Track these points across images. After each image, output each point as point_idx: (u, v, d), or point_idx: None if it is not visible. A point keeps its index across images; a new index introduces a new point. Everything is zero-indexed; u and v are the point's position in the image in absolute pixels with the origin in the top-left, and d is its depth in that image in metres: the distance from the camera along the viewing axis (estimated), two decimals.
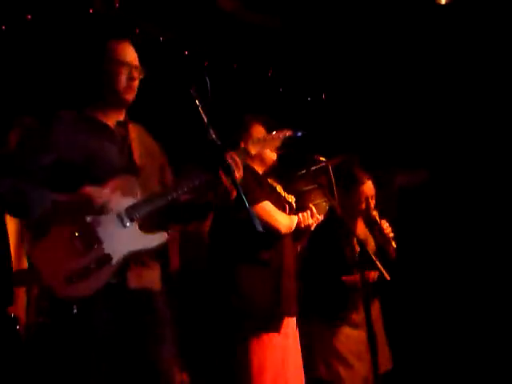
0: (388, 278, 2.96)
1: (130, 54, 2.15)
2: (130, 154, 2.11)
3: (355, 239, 3.15)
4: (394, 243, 3.32)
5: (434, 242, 4.55)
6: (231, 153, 2.03)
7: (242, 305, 2.62)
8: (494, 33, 3.99)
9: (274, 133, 2.26)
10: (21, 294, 3.68)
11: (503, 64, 4.18)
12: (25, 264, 4.76)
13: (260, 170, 2.89)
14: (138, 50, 2.20)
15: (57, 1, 3.45)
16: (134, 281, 2.00)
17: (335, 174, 3.10)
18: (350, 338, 3.25)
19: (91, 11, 3.30)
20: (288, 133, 2.27)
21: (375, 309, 3.36)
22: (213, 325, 2.77)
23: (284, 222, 2.75)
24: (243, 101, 3.98)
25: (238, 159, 2.03)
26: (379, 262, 2.95)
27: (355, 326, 3.27)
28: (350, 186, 3.39)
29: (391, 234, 3.33)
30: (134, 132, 2.18)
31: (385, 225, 3.35)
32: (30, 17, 3.24)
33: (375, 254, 3.07)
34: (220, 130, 2.03)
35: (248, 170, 2.79)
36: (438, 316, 4.43)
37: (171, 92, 2.17)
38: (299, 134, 2.31)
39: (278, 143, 2.29)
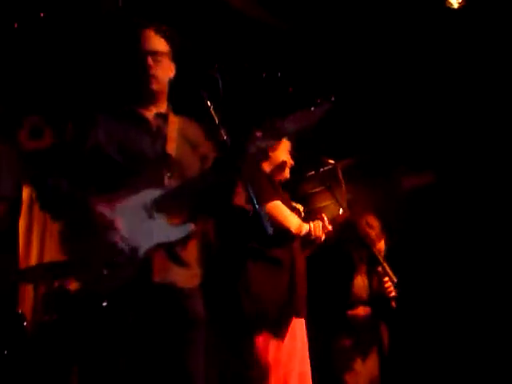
0: (395, 280, 2.96)
1: (145, 42, 2.12)
2: (164, 145, 2.08)
3: (362, 240, 3.13)
4: (393, 303, 3.28)
5: (440, 245, 4.54)
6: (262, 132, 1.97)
7: (252, 304, 2.62)
8: (505, 37, 3.97)
9: (312, 108, 1.95)
10: (28, 292, 3.70)
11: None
12: (32, 261, 4.79)
13: (268, 168, 2.89)
14: None
15: None
16: (159, 275, 1.96)
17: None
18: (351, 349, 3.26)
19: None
20: (325, 106, 1.94)
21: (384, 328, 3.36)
22: (221, 322, 2.77)
23: (295, 222, 2.75)
24: (253, 101, 3.98)
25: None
26: (387, 264, 2.95)
27: (363, 343, 3.27)
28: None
29: (393, 294, 3.28)
30: (175, 123, 2.16)
31: (387, 283, 3.30)
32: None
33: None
34: (231, 130, 2.03)
35: (259, 170, 2.80)
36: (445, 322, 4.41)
37: (182, 92, 2.16)
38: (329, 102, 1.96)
39: (315, 119, 2.04)
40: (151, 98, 2.15)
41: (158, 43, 2.14)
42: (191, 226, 2.01)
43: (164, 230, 1.97)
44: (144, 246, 1.92)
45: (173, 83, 2.18)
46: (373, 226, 3.33)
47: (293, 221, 2.75)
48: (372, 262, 3.05)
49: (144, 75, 2.09)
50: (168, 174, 2.03)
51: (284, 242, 2.73)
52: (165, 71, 2.14)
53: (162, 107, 2.18)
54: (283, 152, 2.93)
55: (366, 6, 3.90)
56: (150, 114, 2.15)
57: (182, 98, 2.15)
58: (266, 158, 2.85)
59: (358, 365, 3.21)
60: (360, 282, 3.31)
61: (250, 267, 2.67)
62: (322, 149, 3.52)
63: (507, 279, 4.19)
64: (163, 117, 2.17)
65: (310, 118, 1.98)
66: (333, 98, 1.92)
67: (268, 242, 2.66)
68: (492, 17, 3.81)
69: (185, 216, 2.04)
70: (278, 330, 2.63)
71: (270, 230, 1.84)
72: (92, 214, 1.91)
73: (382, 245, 3.36)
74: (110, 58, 2.23)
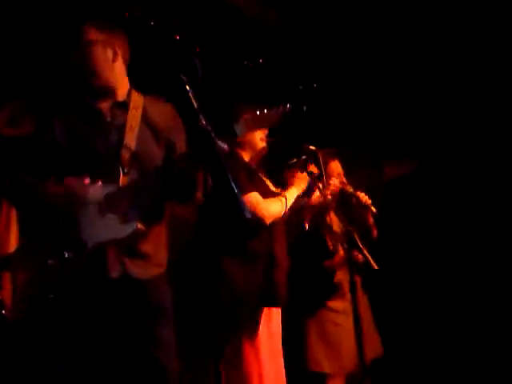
0: (375, 267, 2.97)
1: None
2: (121, 137, 2.05)
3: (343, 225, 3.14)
4: (373, 208, 3.34)
5: (422, 232, 4.58)
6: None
7: (231, 297, 2.63)
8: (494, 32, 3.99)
9: (266, 110, 2.11)
10: (6, 279, 3.65)
11: (494, 58, 4.19)
12: (11, 248, 4.73)
13: (247, 157, 2.88)
14: (128, 34, 2.15)
15: None
16: (114, 270, 1.97)
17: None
18: (337, 326, 3.26)
19: None
20: (283, 108, 2.11)
21: (362, 296, 3.38)
22: (202, 318, 2.77)
23: (272, 209, 2.72)
24: (234, 88, 3.96)
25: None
26: (366, 249, 2.97)
27: (340, 312, 3.28)
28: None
29: (369, 201, 3.35)
30: (138, 109, 2.09)
31: (361, 194, 3.37)
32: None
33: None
34: (211, 117, 2.02)
35: (238, 159, 2.79)
36: (426, 305, 4.47)
37: (162, 77, 2.14)
38: (289, 106, 2.13)
39: (271, 121, 2.16)
40: (100, 90, 2.09)
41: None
42: (137, 225, 2.00)
43: (112, 227, 1.98)
44: (92, 241, 1.93)
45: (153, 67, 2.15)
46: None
47: (270, 209, 2.71)
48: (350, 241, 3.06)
49: (80, 72, 2.07)
50: (124, 170, 2.01)
51: (259, 233, 2.70)
52: (101, 62, 2.08)
53: (120, 95, 2.11)
54: (256, 134, 2.88)
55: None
56: (106, 104, 2.08)
57: (162, 81, 2.13)
58: (243, 147, 2.83)
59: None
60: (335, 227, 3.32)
61: (226, 258, 2.68)
62: (305, 137, 3.51)
63: (492, 268, 4.25)
64: (122, 105, 2.10)
65: (267, 118, 2.04)
66: (288, 105, 2.01)
67: (243, 234, 2.66)
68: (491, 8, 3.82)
69: (135, 213, 2.02)
70: (256, 319, 2.62)
71: (248, 214, 1.84)
72: (47, 199, 1.93)
73: (335, 164, 3.40)
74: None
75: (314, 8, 4.02)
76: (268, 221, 2.71)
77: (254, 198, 2.71)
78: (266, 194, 2.83)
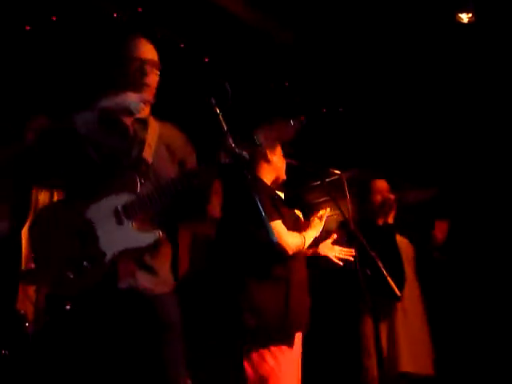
0: (399, 295, 2.94)
1: (142, 49, 2.15)
2: (140, 152, 2.09)
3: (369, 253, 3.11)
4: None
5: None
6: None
7: (254, 320, 2.61)
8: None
9: (285, 121, 2.12)
10: (30, 293, 3.70)
11: None
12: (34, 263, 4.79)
13: (269, 179, 2.87)
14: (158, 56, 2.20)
15: (79, 5, 3.49)
16: (124, 281, 1.96)
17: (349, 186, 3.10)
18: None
19: (115, 15, 3.32)
20: (299, 121, 2.11)
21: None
22: (220, 335, 2.76)
23: (294, 242, 2.73)
24: (259, 110, 4.00)
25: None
26: (391, 278, 2.94)
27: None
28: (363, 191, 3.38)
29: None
30: (155, 129, 2.16)
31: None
32: (55, 18, 3.27)
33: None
34: (238, 138, 2.03)
35: (260, 184, 2.78)
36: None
37: (191, 99, 2.17)
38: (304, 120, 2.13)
39: (288, 133, 2.12)
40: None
41: (153, 52, 2.17)
42: (159, 233, 2.00)
43: (131, 236, 1.96)
44: (110, 251, 1.92)
45: (183, 90, 2.19)
46: None
47: (291, 242, 2.71)
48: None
49: (138, 83, 2.11)
50: (142, 180, 2.03)
51: (280, 261, 2.71)
52: (155, 81, 2.16)
53: (143, 114, 2.17)
54: (279, 157, 2.91)
55: (376, 22, 3.92)
56: (129, 120, 2.13)
57: (191, 104, 2.16)
58: (268, 162, 2.84)
59: None
60: None
61: (252, 283, 2.67)
62: (329, 159, 3.52)
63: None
64: (142, 122, 2.16)
65: (284, 131, 2.05)
66: (303, 119, 2.01)
67: (269, 260, 2.67)
68: (500, 32, 3.83)
69: (154, 223, 2.03)
70: (280, 342, 2.62)
71: (275, 239, 1.84)
72: (64, 214, 1.93)
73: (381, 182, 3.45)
74: (99, 63, 2.23)
75: (342, 30, 4.05)
76: (291, 252, 2.72)
77: (277, 226, 2.71)
78: (287, 216, 2.83)
